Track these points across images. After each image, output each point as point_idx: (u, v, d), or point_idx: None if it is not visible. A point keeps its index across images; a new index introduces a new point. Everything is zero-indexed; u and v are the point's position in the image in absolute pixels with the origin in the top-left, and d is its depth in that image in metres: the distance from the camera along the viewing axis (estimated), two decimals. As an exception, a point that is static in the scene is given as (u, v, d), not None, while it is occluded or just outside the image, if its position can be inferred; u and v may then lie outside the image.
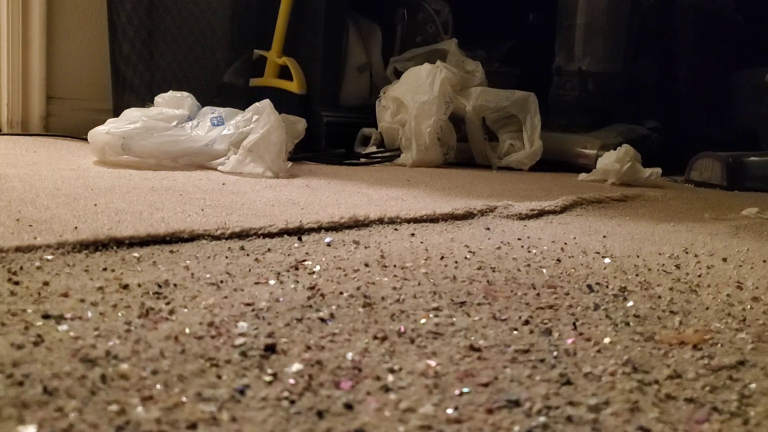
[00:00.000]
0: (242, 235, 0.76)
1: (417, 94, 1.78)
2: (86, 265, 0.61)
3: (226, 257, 0.68)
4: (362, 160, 1.80)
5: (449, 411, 0.37)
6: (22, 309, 0.48)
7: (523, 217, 1.02)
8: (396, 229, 0.87)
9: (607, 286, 0.65)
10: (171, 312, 0.50)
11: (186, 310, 0.50)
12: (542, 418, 0.37)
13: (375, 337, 0.48)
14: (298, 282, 0.60)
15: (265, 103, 1.38)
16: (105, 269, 0.60)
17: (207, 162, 1.38)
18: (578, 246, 0.84)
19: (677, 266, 0.76)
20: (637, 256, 0.80)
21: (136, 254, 0.66)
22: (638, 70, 2.24)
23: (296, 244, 0.75)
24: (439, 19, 2.19)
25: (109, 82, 2.06)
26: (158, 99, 1.46)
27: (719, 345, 0.51)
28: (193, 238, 0.73)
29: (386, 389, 0.39)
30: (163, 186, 1.09)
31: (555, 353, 0.47)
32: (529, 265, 0.72)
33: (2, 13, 1.98)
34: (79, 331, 0.44)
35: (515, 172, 1.80)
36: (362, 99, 2.12)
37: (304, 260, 0.68)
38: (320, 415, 0.36)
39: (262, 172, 1.31)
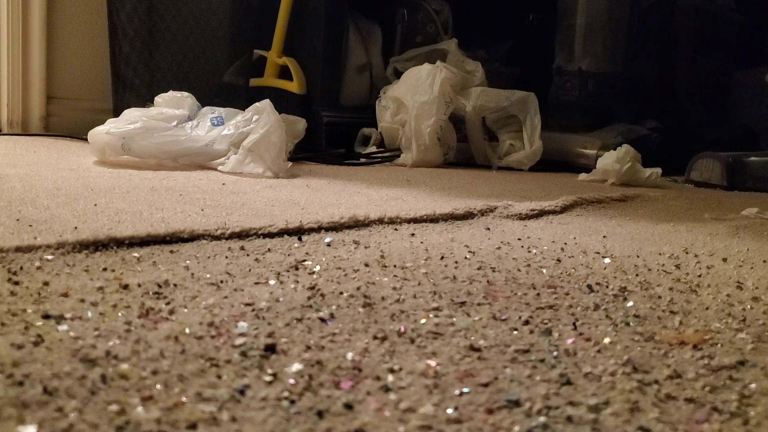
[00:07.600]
0: (242, 235, 0.76)
1: (417, 94, 1.78)
2: (86, 265, 0.61)
3: (226, 257, 0.68)
4: (362, 160, 1.80)
5: (449, 411, 0.37)
6: (22, 309, 0.48)
7: (523, 217, 1.02)
8: (396, 229, 0.87)
9: (607, 286, 0.65)
10: (171, 312, 0.50)
11: (186, 310, 0.50)
12: (542, 418, 0.37)
13: (375, 337, 0.48)
14: (298, 282, 0.60)
15: (265, 103, 1.38)
16: (105, 269, 0.60)
17: (207, 162, 1.38)
18: (578, 246, 0.84)
19: (677, 266, 0.76)
20: (637, 256, 0.80)
21: (136, 254, 0.66)
22: (638, 70, 2.23)
23: (296, 244, 0.75)
24: (439, 19, 2.19)
25: (109, 82, 2.06)
26: (158, 99, 1.46)
27: (719, 345, 0.51)
28: (193, 238, 0.73)
29: (386, 389, 0.39)
30: (163, 186, 1.09)
31: (555, 353, 0.47)
32: (529, 265, 0.72)
33: (2, 13, 1.97)
34: (79, 331, 0.44)
35: (515, 172, 1.80)
36: (362, 99, 2.12)
37: (304, 260, 0.68)
38: (320, 415, 0.36)
39: (262, 172, 1.31)
